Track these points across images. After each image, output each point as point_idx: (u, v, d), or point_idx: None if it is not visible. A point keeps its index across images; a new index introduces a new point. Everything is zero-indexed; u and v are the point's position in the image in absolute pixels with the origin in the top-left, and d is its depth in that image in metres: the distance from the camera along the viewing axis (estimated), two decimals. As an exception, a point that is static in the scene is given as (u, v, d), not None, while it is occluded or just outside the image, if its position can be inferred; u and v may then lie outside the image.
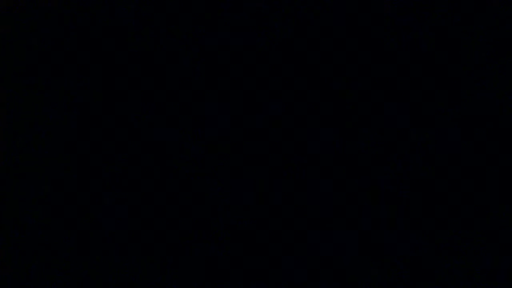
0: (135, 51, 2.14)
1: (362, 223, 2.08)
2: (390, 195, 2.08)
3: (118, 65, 2.14)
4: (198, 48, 2.14)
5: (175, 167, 2.12)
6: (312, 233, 2.08)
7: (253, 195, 2.10)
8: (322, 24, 2.12)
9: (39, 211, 2.12)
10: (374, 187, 2.08)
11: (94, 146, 2.13)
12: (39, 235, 2.12)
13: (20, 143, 2.14)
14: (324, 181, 2.09)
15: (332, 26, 2.12)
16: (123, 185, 2.12)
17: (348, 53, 2.12)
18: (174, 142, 2.13)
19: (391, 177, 2.08)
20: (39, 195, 2.13)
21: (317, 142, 2.10)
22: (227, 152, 2.11)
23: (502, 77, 2.08)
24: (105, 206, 2.12)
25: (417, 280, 2.06)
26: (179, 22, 2.14)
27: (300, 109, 2.11)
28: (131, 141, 2.13)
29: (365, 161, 2.09)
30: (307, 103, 2.11)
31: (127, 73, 2.14)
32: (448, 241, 2.06)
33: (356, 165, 2.09)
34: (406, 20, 2.11)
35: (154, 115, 2.13)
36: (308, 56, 2.12)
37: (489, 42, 2.09)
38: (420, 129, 2.09)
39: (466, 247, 2.06)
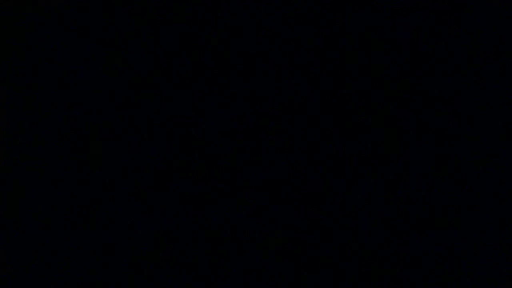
0: (136, 51, 2.14)
1: (363, 223, 2.08)
2: (390, 196, 2.09)
3: (119, 65, 2.14)
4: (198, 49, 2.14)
5: (175, 168, 2.13)
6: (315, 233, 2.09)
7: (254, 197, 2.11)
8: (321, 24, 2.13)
9: (39, 211, 2.12)
10: (374, 187, 2.09)
11: (94, 146, 2.13)
12: (39, 235, 2.11)
13: (20, 143, 2.14)
14: (324, 180, 2.10)
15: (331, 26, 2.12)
16: (123, 185, 2.12)
17: (348, 53, 2.12)
18: (174, 143, 2.13)
19: (392, 177, 2.09)
20: (39, 195, 2.12)
21: (317, 142, 2.11)
22: (229, 152, 2.12)
23: (502, 77, 2.09)
24: (105, 206, 2.12)
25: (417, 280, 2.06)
26: (178, 22, 2.15)
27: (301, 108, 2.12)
28: (131, 141, 2.13)
29: (365, 161, 2.10)
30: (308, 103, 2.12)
31: (128, 73, 2.14)
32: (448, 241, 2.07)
33: (357, 165, 2.10)
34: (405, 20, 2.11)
35: (155, 116, 2.13)
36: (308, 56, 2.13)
37: (489, 42, 2.10)
38: (420, 129, 2.09)
39: (466, 247, 2.06)
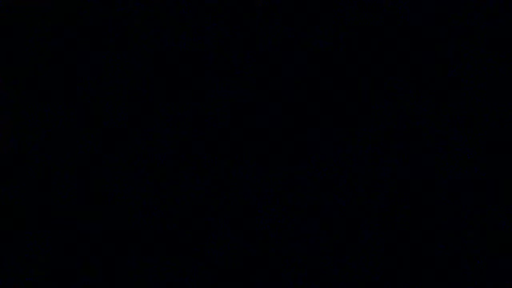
0: (136, 51, 2.14)
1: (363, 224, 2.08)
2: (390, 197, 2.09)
3: (119, 65, 2.14)
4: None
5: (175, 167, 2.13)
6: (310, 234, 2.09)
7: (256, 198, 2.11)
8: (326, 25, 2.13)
9: (38, 210, 2.12)
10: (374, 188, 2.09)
11: (95, 146, 2.13)
12: (39, 234, 2.11)
13: (20, 143, 2.14)
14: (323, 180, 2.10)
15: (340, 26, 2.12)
16: (123, 184, 2.12)
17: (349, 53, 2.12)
18: (174, 143, 2.13)
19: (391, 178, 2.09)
20: (39, 194, 2.12)
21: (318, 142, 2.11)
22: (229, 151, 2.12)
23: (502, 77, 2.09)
24: (106, 206, 2.12)
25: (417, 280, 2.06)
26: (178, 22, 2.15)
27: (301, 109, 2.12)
28: (132, 140, 2.13)
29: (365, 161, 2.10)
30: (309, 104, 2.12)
31: (128, 73, 2.14)
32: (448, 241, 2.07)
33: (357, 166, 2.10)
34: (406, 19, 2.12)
35: (156, 116, 2.13)
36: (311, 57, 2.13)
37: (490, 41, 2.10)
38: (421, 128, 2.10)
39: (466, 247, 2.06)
